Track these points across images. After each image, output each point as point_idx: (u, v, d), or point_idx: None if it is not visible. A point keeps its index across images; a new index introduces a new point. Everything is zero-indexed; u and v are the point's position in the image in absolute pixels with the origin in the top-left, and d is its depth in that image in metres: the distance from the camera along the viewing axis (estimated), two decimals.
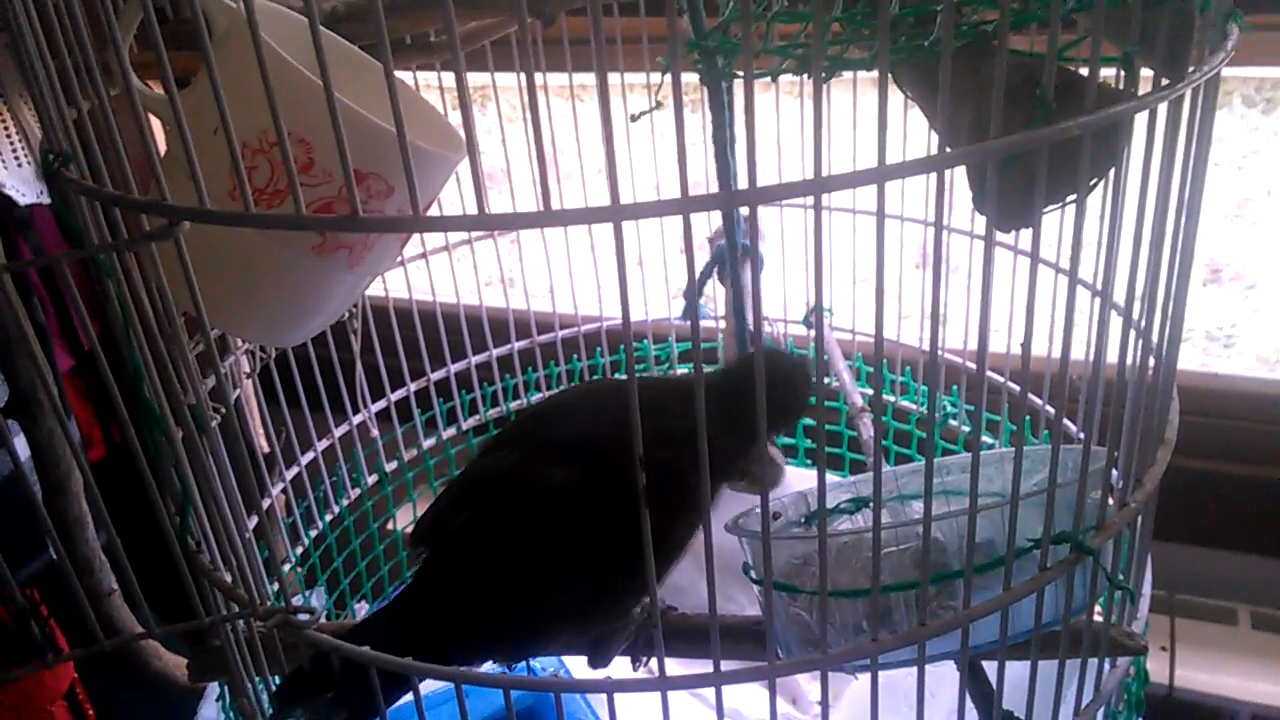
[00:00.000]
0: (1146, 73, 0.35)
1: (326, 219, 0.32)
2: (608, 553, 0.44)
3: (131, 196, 0.33)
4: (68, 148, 0.36)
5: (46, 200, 1.10)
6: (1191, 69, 0.35)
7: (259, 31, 0.32)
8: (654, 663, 0.48)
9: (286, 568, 0.70)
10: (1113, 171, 0.35)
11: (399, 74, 0.61)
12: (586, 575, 0.44)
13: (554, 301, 0.84)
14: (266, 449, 0.79)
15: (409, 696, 0.40)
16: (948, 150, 0.31)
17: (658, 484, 0.32)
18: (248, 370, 0.68)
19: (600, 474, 0.44)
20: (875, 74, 0.29)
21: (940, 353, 0.78)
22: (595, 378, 0.86)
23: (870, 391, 0.80)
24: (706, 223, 0.82)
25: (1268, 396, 0.99)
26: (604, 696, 0.37)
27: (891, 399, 0.81)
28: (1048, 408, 0.68)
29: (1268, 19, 0.82)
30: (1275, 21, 0.83)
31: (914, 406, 0.80)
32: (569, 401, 0.54)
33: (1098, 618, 0.46)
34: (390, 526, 0.83)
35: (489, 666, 0.45)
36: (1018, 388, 0.71)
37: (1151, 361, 0.42)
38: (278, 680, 0.46)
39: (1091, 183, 0.34)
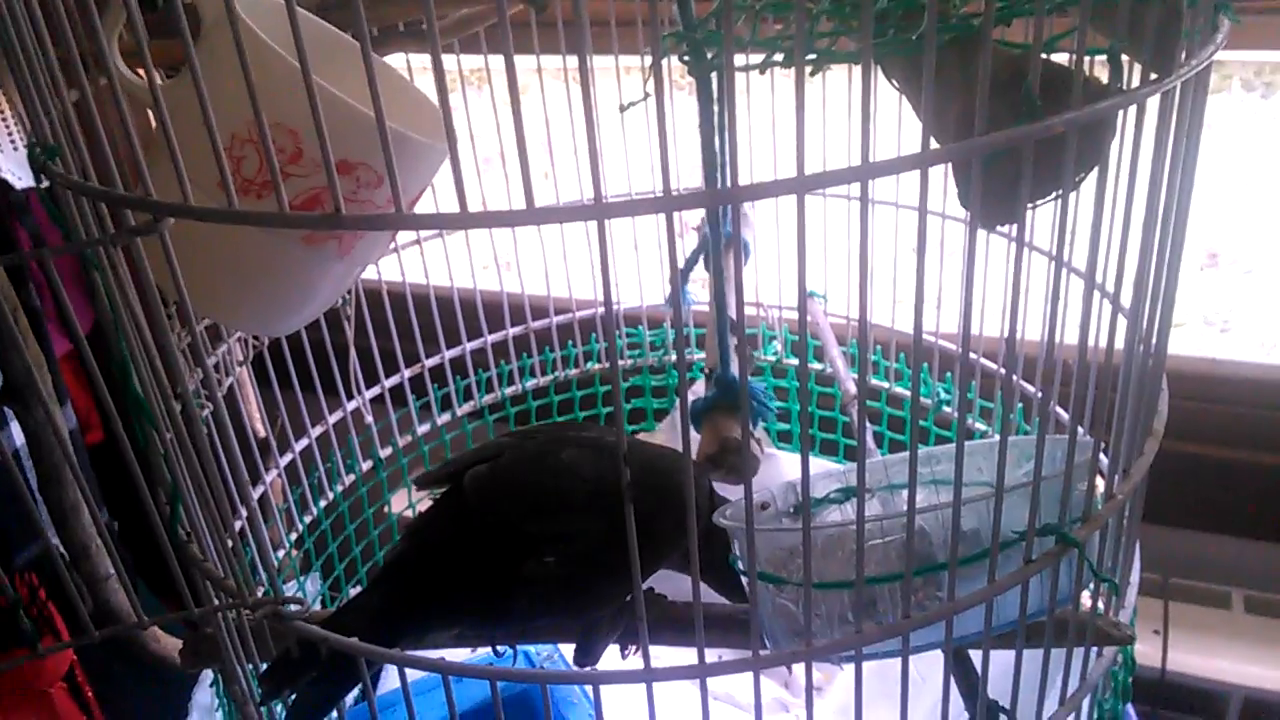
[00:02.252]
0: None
1: (308, 216, 0.32)
2: (601, 534, 0.46)
3: (116, 192, 0.33)
4: (54, 141, 0.36)
5: (43, 184, 1.10)
6: (1180, 63, 0.35)
7: (238, 20, 0.32)
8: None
9: (280, 554, 0.70)
10: (1099, 166, 0.34)
11: (392, 61, 0.61)
12: (578, 549, 0.46)
13: (549, 286, 0.84)
14: (262, 434, 0.79)
15: (394, 682, 0.40)
16: (933, 144, 0.31)
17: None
18: (241, 358, 0.68)
19: (609, 463, 0.47)
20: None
21: (935, 339, 0.78)
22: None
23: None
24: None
25: (1264, 381, 0.99)
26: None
27: (885, 385, 0.81)
28: (1039, 394, 0.68)
29: (1267, 3, 0.82)
30: (1274, 4, 0.83)
31: (908, 393, 0.80)
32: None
33: (1086, 604, 0.46)
34: (385, 511, 0.84)
35: (478, 656, 0.46)
36: (1020, 380, 0.71)
37: (1139, 351, 0.42)
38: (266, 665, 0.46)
39: (1077, 178, 0.34)
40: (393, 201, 0.49)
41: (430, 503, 0.51)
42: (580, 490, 0.48)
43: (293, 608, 0.39)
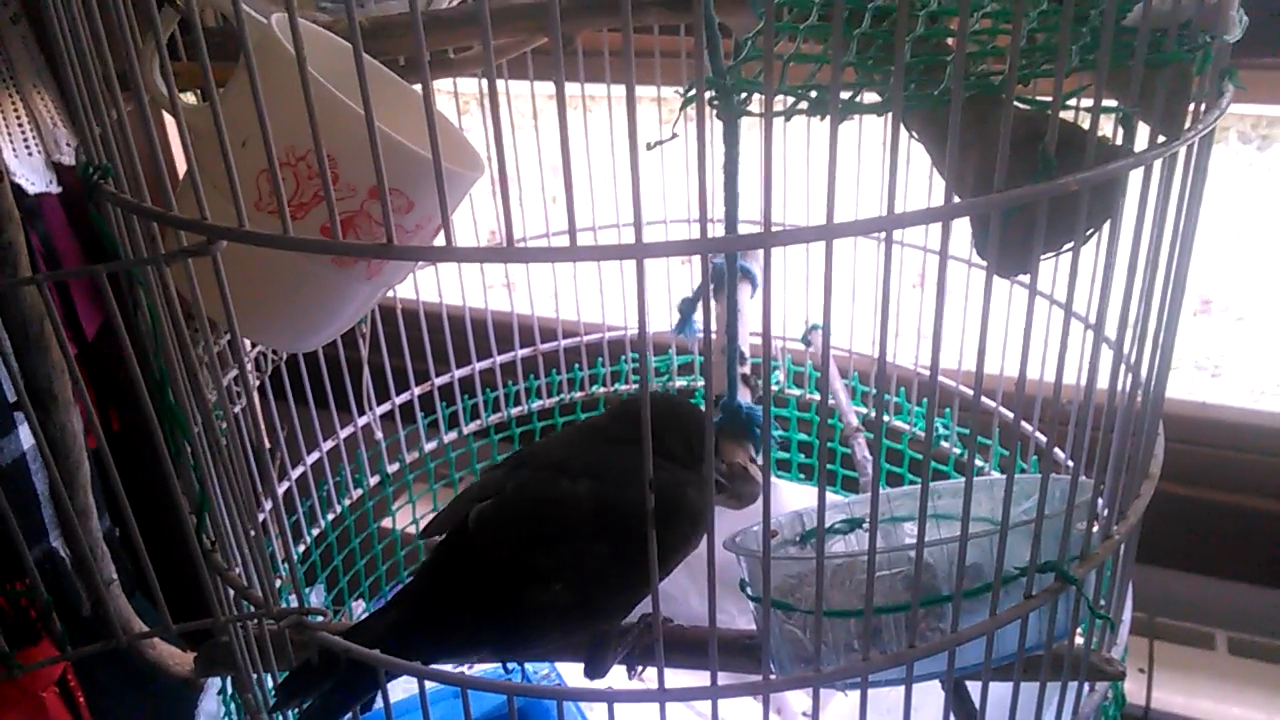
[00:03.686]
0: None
1: (363, 246, 0.33)
2: (606, 556, 0.47)
3: (172, 213, 0.34)
4: (106, 161, 0.37)
5: (55, 189, 1.11)
6: (1188, 126, 0.37)
7: (303, 51, 0.33)
8: (649, 673, 0.50)
9: (286, 566, 0.71)
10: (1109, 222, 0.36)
11: (415, 87, 0.62)
12: (584, 573, 0.47)
13: (558, 308, 0.86)
14: (268, 444, 0.80)
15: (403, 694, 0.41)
16: (954, 199, 0.33)
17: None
18: (256, 374, 0.69)
19: (608, 487, 0.49)
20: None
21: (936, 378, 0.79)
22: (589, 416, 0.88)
23: (864, 410, 0.82)
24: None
25: (1253, 426, 1.00)
26: (593, 704, 0.38)
27: (885, 419, 0.83)
28: (1037, 434, 0.70)
29: (1264, 61, 0.84)
30: (1271, 62, 0.85)
31: (906, 426, 0.82)
32: (570, 436, 0.59)
33: (1079, 639, 0.48)
34: (389, 526, 0.85)
35: (492, 671, 0.47)
36: (1008, 412, 0.73)
37: (1139, 398, 0.44)
38: (283, 675, 0.47)
39: (1088, 233, 0.36)
40: (421, 226, 0.51)
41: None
42: (582, 518, 0.49)
43: (316, 618, 0.41)
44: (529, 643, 0.48)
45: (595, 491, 0.50)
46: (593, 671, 0.49)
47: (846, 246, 0.80)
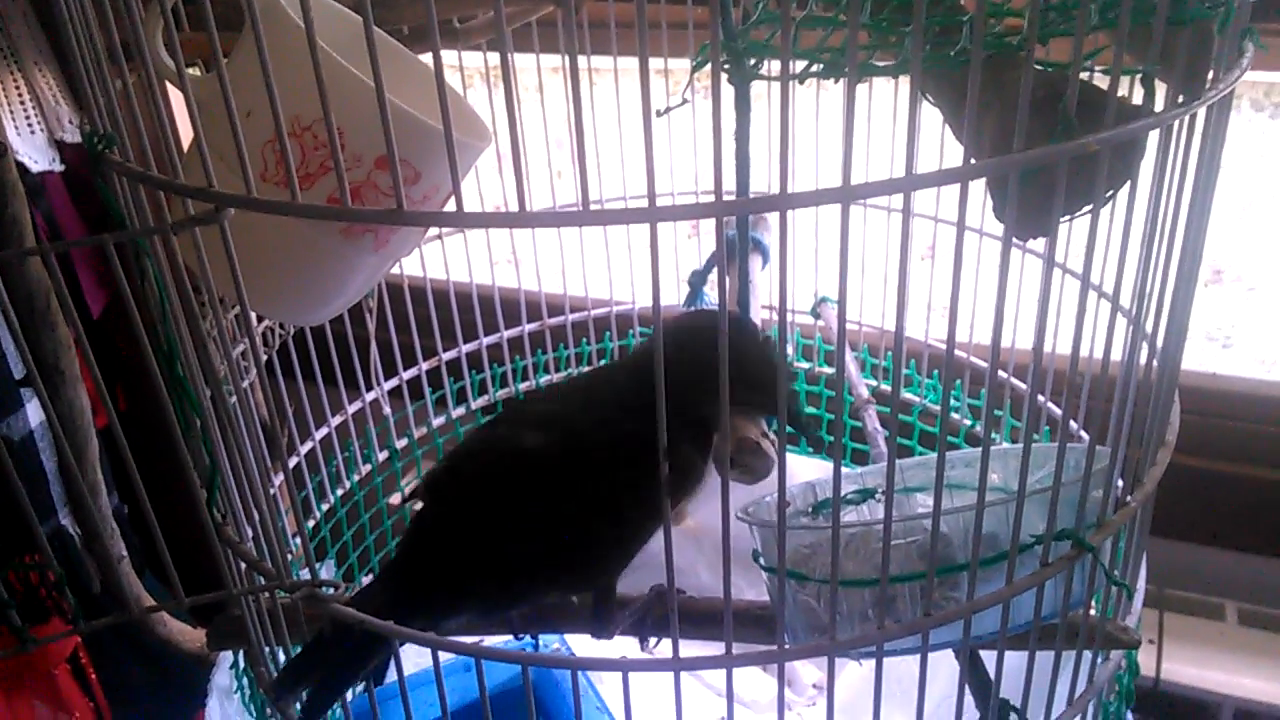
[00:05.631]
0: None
1: (375, 212, 0.33)
2: (585, 511, 0.46)
3: (179, 181, 0.34)
4: (110, 130, 0.37)
5: (58, 167, 1.11)
6: (1208, 85, 0.36)
7: (312, 20, 0.33)
8: (661, 646, 0.50)
9: (297, 540, 0.71)
10: (1127, 183, 0.36)
11: (419, 57, 0.62)
12: (550, 524, 0.46)
13: (565, 284, 0.85)
14: (276, 418, 0.80)
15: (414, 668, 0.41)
16: (972, 160, 0.32)
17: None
18: (264, 348, 0.69)
19: (577, 442, 0.47)
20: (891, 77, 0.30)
21: (926, 342, 0.79)
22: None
23: (874, 382, 0.81)
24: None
25: (1263, 397, 1.00)
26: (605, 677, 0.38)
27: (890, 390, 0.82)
28: (1049, 405, 0.69)
29: (1278, 26, 0.83)
30: None
31: (916, 399, 0.81)
32: (555, 391, 0.58)
33: (1094, 609, 0.47)
34: (397, 502, 0.85)
35: (506, 642, 0.46)
36: (1021, 384, 0.73)
37: (1155, 365, 0.44)
38: (296, 649, 0.47)
39: (1107, 194, 0.35)
40: (428, 197, 0.51)
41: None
42: (536, 470, 0.47)
43: (328, 590, 0.40)
44: (519, 595, 0.47)
45: (554, 444, 0.47)
46: (598, 632, 0.48)
47: (855, 217, 0.79)
